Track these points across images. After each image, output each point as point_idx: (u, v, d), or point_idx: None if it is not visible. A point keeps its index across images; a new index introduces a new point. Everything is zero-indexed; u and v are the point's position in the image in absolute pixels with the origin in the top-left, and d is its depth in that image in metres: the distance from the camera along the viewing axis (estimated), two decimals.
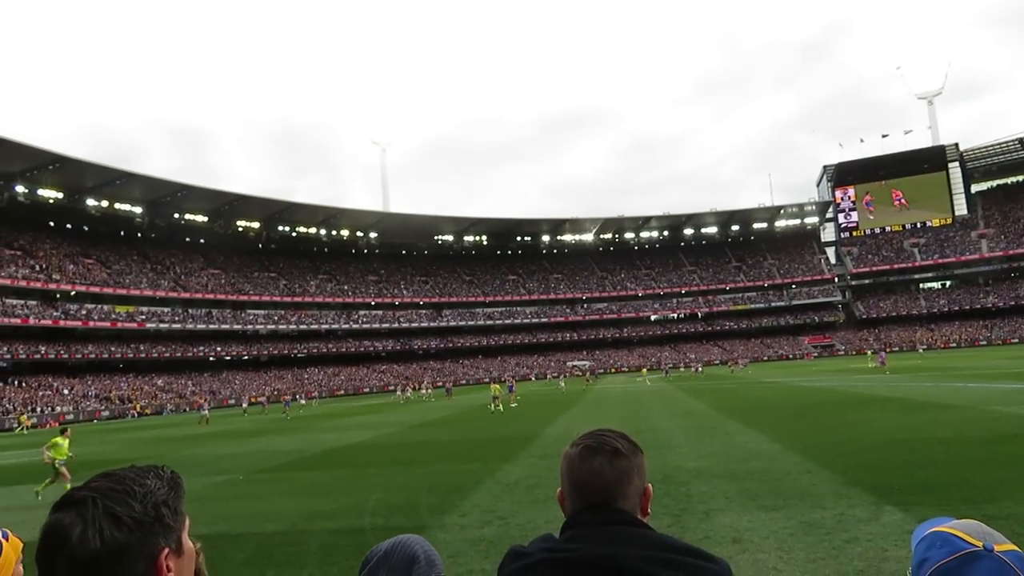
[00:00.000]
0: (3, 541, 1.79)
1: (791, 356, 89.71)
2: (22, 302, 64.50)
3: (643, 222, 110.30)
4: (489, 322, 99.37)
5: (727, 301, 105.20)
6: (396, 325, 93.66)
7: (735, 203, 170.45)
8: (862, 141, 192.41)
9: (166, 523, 1.09)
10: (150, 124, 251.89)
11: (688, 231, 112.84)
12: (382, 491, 12.05)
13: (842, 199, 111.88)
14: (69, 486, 12.67)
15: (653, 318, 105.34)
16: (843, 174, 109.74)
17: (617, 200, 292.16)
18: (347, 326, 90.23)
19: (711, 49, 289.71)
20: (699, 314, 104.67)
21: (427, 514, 9.98)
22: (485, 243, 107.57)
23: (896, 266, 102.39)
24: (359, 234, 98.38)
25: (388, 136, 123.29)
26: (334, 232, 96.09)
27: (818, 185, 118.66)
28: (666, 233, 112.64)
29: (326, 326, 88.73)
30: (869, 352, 65.85)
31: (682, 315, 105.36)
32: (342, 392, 78.27)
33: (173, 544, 1.09)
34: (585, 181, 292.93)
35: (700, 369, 71.60)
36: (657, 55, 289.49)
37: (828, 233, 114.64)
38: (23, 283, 64.40)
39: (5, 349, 60.60)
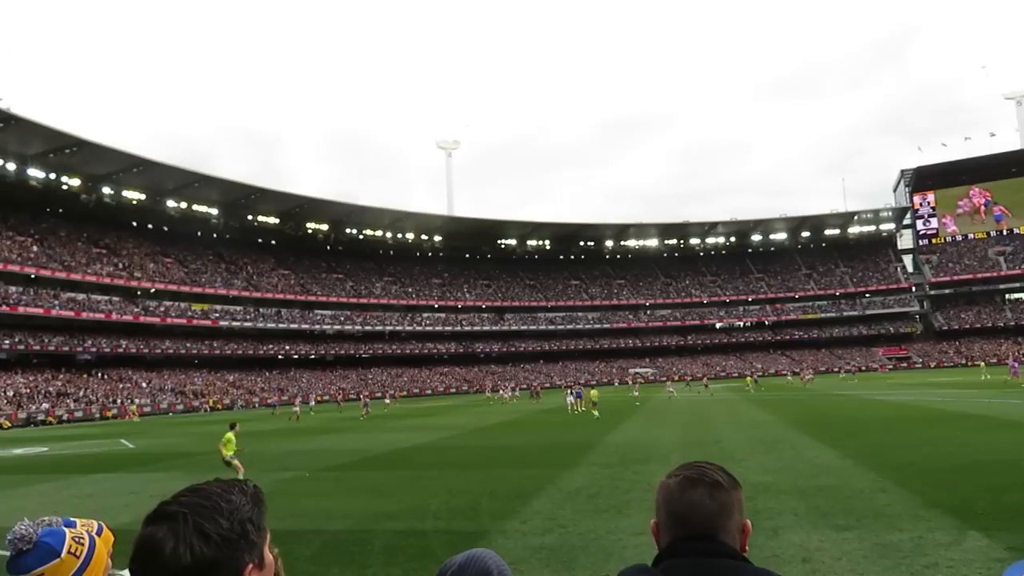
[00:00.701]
0: (96, 537, 1.85)
1: (863, 368, 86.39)
2: (106, 298, 67.81)
3: (709, 228, 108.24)
4: (551, 327, 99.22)
5: (796, 310, 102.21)
6: (458, 328, 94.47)
7: (804, 209, 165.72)
8: (944, 145, 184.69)
9: (251, 539, 1.13)
10: (223, 129, 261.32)
11: (756, 237, 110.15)
12: (444, 494, 12.14)
13: (921, 205, 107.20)
14: (242, 476, 13.30)
15: (718, 326, 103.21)
16: (922, 179, 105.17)
17: (680, 205, 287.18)
18: (410, 328, 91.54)
19: (779, 51, 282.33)
20: (766, 322, 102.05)
21: (488, 519, 10.00)
22: (548, 247, 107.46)
23: (979, 275, 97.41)
24: (423, 237, 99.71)
25: (453, 139, 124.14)
26: (399, 235, 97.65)
27: (895, 190, 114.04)
28: (733, 239, 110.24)
29: (390, 327, 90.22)
30: (981, 363, 58.19)
31: (749, 323, 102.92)
32: (429, 392, 79.47)
33: (256, 559, 1.14)
34: (647, 186, 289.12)
35: (755, 379, 60.31)
36: (723, 58, 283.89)
37: (905, 240, 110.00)
38: (107, 280, 67.71)
39: (90, 343, 63.79)
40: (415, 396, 76.21)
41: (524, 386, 71.49)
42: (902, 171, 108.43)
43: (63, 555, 1.72)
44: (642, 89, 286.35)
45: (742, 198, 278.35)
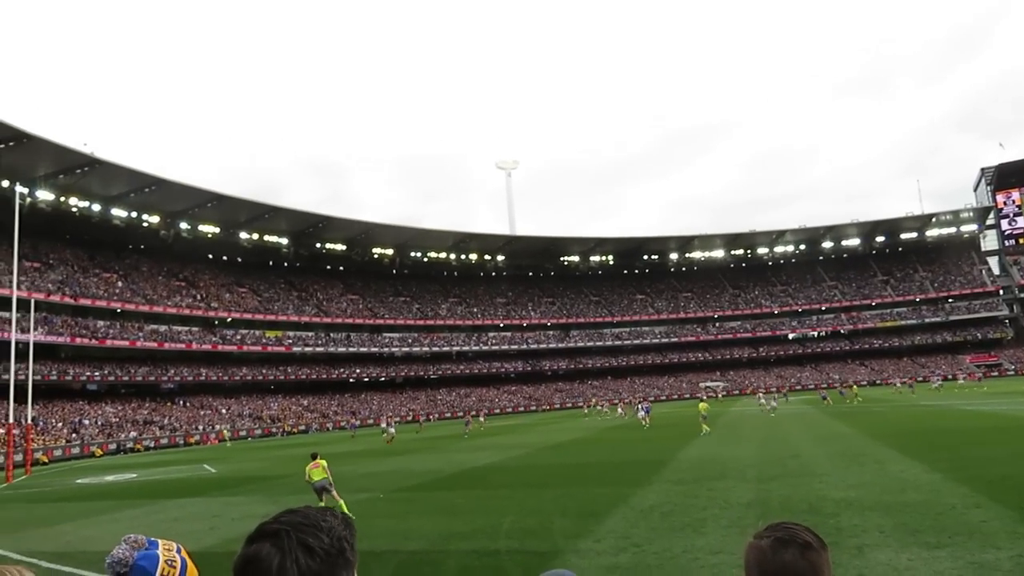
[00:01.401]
0: (188, 559, 1.95)
1: (949, 376, 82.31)
2: (186, 329, 70.81)
3: (777, 236, 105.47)
4: (617, 342, 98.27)
5: (874, 318, 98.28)
6: (524, 346, 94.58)
7: (878, 213, 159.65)
8: None
9: (347, 557, 1.19)
10: (290, 161, 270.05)
11: (827, 244, 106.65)
12: (515, 513, 12.13)
13: (1005, 203, 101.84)
14: (338, 498, 13.86)
15: (791, 336, 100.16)
16: (1005, 176, 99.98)
17: (747, 214, 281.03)
18: (477, 347, 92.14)
19: (846, 48, 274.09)
20: (842, 331, 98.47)
21: (561, 538, 9.94)
22: (611, 263, 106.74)
23: None
24: (486, 257, 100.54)
25: (512, 159, 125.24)
26: (463, 256, 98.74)
27: (975, 190, 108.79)
28: (803, 247, 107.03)
29: (457, 348, 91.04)
30: None
31: (823, 333, 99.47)
32: (510, 410, 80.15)
33: None
34: (712, 196, 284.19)
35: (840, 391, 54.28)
36: (787, 59, 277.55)
37: (989, 242, 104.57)
38: (187, 311, 70.77)
39: (172, 372, 66.62)
40: (524, 411, 76.45)
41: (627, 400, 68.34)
42: (983, 169, 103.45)
43: None
44: (704, 97, 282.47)
45: (812, 205, 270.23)
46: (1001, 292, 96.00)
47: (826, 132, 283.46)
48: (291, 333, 79.70)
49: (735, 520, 10.21)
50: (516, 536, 10.24)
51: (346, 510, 11.00)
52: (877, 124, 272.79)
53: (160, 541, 1.95)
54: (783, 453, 19.31)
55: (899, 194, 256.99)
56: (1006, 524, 8.76)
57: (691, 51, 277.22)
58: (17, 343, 40.29)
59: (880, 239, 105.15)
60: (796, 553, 1.55)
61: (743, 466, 16.85)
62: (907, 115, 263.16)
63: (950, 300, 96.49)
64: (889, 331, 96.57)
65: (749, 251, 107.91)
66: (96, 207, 67.13)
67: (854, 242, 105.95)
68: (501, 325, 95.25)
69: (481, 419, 52.59)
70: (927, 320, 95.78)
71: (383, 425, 49.29)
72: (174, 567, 1.89)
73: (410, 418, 68.29)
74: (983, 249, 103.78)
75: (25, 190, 56.45)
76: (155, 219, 72.22)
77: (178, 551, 1.97)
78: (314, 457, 15.08)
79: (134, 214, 70.46)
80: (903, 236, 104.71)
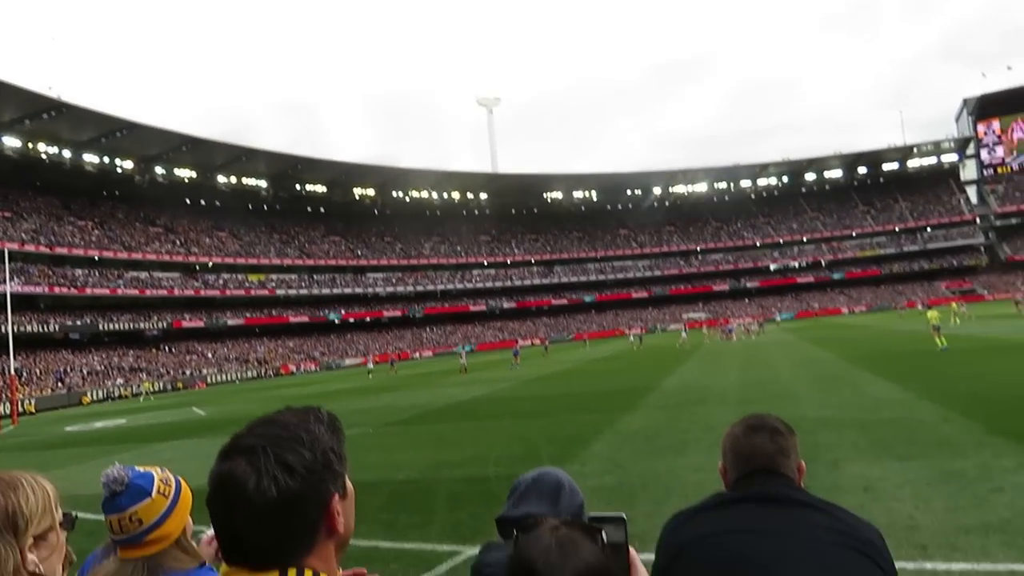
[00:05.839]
0: (181, 480, 2.02)
1: (925, 304, 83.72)
2: (167, 275, 70.32)
3: (760, 169, 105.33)
4: (601, 277, 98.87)
5: (853, 248, 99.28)
6: (509, 283, 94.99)
7: (861, 144, 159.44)
8: (1009, 68, 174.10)
9: (334, 469, 1.08)
10: (265, 103, 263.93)
11: (810, 177, 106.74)
12: (504, 442, 12.44)
13: (986, 133, 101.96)
14: None
15: (772, 267, 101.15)
16: (987, 106, 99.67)
17: (731, 147, 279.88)
18: (461, 286, 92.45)
19: None
20: (822, 262, 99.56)
21: (548, 463, 10.14)
22: (595, 199, 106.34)
23: None
24: (469, 196, 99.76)
25: (493, 96, 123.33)
26: (445, 195, 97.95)
27: (957, 120, 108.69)
28: (785, 180, 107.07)
29: (441, 286, 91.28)
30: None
31: (804, 263, 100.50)
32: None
33: (340, 489, 1.10)
34: (696, 129, 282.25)
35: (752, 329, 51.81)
36: None
37: (969, 171, 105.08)
38: (167, 257, 70.12)
39: (156, 318, 66.36)
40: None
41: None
42: (965, 100, 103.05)
43: (153, 495, 1.88)
44: (688, 28, 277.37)
45: (795, 137, 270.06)
46: (978, 221, 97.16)
47: (810, 65, 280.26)
48: (274, 276, 79.45)
49: (716, 441, 10.41)
50: (505, 463, 10.51)
51: None
52: (861, 56, 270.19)
53: (155, 470, 2.01)
54: (764, 378, 19.80)
55: (882, 125, 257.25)
56: (973, 436, 9.14)
57: None
58: None
59: (862, 170, 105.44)
60: (766, 437, 1.75)
61: (724, 391, 17.28)
62: (891, 46, 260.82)
63: (928, 229, 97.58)
64: (868, 260, 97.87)
65: (732, 185, 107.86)
66: (67, 153, 65.55)
67: (836, 174, 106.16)
68: (485, 263, 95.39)
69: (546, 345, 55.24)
70: (905, 249, 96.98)
71: (369, 365, 49.82)
72: (169, 486, 1.95)
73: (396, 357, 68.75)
74: (962, 179, 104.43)
75: None
76: (129, 164, 70.74)
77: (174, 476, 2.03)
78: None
79: (107, 160, 68.92)
80: (884, 167, 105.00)
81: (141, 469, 1.95)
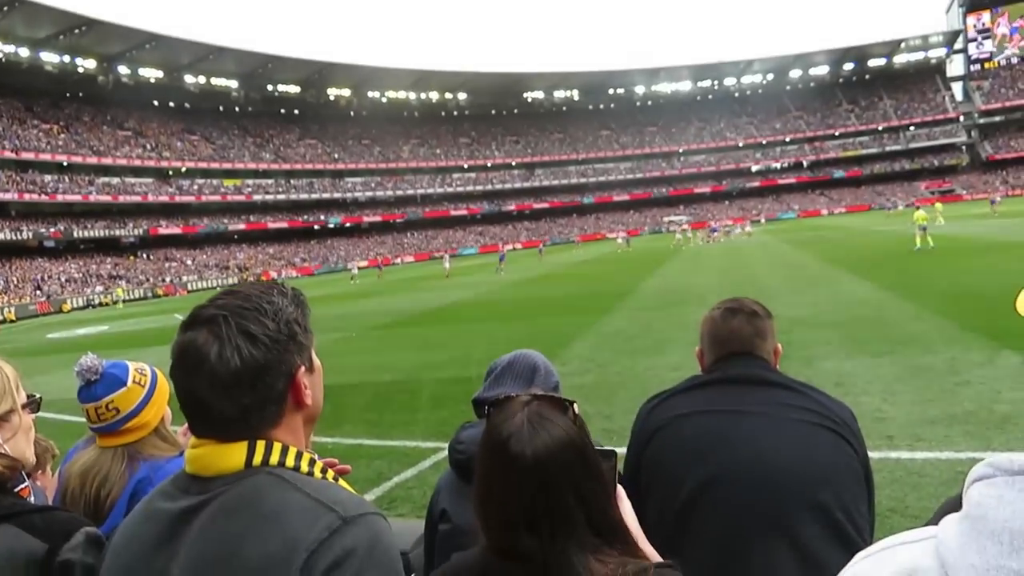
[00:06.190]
0: (157, 370, 2.00)
1: (907, 204, 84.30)
2: (139, 180, 68.61)
3: (745, 66, 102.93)
4: (582, 179, 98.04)
5: (836, 148, 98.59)
6: (489, 187, 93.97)
7: (849, 40, 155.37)
8: None
9: (299, 340, 1.06)
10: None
11: (795, 74, 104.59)
12: (486, 344, 12.60)
13: (975, 26, 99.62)
14: None
15: (754, 169, 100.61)
16: None
17: (716, 45, 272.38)
18: (441, 190, 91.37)
19: None
20: (804, 163, 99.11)
21: None
22: (576, 98, 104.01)
23: None
24: (448, 96, 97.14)
25: None
26: (423, 95, 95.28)
27: (947, 12, 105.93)
28: (770, 77, 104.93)
29: (421, 191, 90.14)
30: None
31: (786, 164, 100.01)
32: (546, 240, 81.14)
33: (306, 362, 1.08)
34: (678, 23, 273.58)
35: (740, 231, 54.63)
36: None
37: (956, 67, 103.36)
38: (138, 162, 68.17)
39: (131, 225, 65.26)
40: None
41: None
42: None
43: (129, 384, 1.87)
44: None
45: (784, 34, 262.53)
46: (961, 118, 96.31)
47: None
48: (250, 181, 77.93)
49: (694, 340, 10.66)
50: (486, 363, 10.56)
51: None
52: None
53: (130, 363, 1.98)
54: (740, 278, 20.08)
55: (874, 20, 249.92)
56: (944, 333, 9.37)
57: None
58: None
59: (848, 67, 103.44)
60: (743, 320, 1.75)
61: (704, 292, 17.47)
62: None
63: (911, 127, 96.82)
64: (850, 160, 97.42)
65: (716, 83, 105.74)
66: (24, 52, 62.57)
67: (822, 71, 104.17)
68: (465, 166, 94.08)
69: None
70: (887, 148, 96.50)
71: (353, 271, 49.69)
72: (145, 375, 1.94)
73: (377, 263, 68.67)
74: (949, 75, 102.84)
75: None
76: (91, 64, 67.79)
77: (150, 367, 2.01)
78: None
79: (67, 59, 65.92)
80: (871, 63, 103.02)
81: (115, 360, 1.94)
